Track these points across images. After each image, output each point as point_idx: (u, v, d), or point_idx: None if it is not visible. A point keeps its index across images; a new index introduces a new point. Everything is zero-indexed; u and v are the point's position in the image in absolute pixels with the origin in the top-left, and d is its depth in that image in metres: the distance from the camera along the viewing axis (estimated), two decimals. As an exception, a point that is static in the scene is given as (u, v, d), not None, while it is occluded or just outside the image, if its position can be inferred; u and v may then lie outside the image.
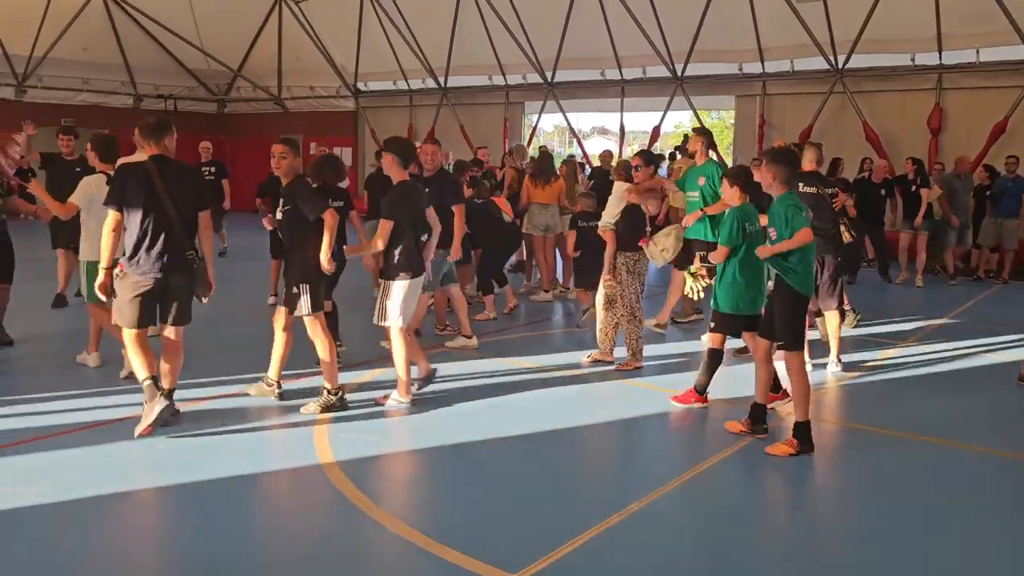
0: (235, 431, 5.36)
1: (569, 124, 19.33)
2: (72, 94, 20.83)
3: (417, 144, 7.04)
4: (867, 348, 7.97)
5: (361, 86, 22.07)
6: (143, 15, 20.61)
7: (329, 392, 5.73)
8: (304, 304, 5.62)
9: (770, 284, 5.45)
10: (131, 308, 5.10)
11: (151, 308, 5.18)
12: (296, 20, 20.84)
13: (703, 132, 8.34)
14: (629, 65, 17.78)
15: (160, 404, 5.01)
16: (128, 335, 5.18)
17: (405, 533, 4.00)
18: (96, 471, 4.65)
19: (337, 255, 5.87)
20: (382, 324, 5.91)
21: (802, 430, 5.14)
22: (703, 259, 6.52)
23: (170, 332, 5.32)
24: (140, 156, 5.64)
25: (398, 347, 5.87)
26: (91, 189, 6.13)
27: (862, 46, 14.80)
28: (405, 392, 5.92)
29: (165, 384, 5.23)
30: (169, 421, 5.20)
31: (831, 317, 7.15)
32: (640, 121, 23.65)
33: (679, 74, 17.11)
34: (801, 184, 6.70)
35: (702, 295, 6.30)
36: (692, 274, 6.23)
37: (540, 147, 15.53)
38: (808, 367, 5.77)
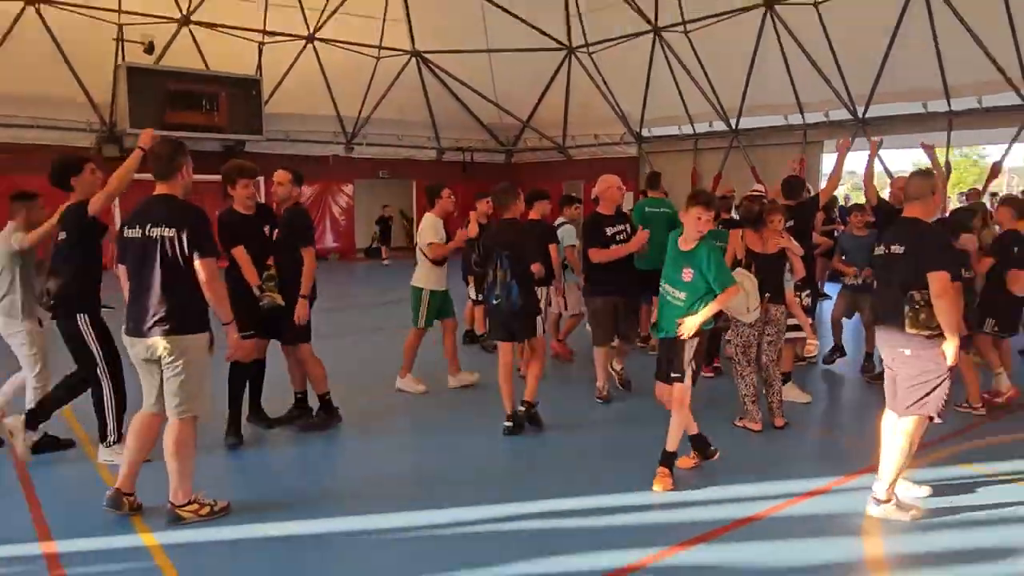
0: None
1: (882, 162, 18.51)
2: (389, 149, 23.30)
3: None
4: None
5: (645, 132, 22.70)
6: (449, 75, 22.71)
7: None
8: None
9: None
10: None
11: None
12: (584, 70, 21.93)
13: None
14: (959, 95, 16.56)
15: None
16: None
17: None
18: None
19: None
20: None
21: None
22: None
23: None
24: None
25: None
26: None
27: None
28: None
29: None
30: None
31: None
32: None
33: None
34: None
35: None
36: None
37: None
38: None
